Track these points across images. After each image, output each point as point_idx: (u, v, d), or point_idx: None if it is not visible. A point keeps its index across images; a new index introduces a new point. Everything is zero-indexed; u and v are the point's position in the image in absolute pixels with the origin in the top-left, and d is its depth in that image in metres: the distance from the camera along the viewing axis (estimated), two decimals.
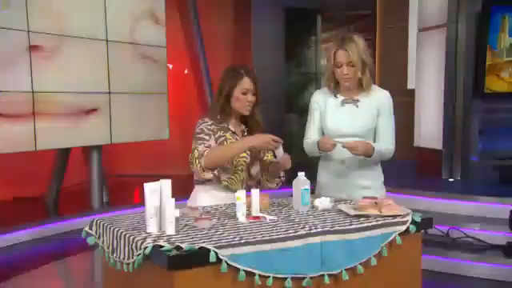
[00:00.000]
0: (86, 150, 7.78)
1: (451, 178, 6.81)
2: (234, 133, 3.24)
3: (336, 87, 3.39)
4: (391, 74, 9.90)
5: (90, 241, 2.73)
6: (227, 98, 3.21)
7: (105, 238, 2.64)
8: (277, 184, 3.38)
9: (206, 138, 3.13)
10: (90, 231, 2.74)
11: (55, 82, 6.93)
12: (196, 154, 3.06)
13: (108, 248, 2.60)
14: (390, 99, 3.38)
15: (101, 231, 2.69)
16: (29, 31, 6.61)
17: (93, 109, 7.39)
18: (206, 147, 3.08)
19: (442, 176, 6.84)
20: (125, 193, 8.87)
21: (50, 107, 6.88)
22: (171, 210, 2.44)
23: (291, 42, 11.54)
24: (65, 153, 7.76)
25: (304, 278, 2.38)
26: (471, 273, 5.03)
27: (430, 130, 7.11)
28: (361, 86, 3.33)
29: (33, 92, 6.65)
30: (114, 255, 2.54)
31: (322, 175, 3.49)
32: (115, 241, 2.54)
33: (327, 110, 3.39)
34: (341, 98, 3.38)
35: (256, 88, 3.20)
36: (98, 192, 7.59)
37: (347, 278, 2.46)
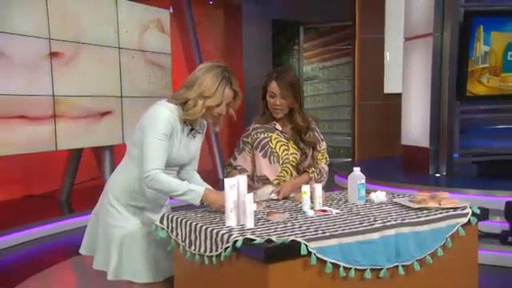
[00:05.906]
0: (97, 150, 7.51)
1: (437, 173, 6.74)
2: (282, 132, 3.08)
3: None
4: (369, 79, 9.86)
5: (162, 234, 2.53)
6: (264, 99, 3.06)
7: (179, 232, 2.45)
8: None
9: (236, 154, 3.12)
10: (161, 225, 2.55)
11: (73, 86, 6.73)
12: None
13: (184, 241, 2.42)
14: None
15: (173, 225, 2.49)
16: (50, 39, 6.37)
17: (107, 111, 7.17)
18: (233, 168, 3.08)
19: (429, 172, 6.77)
20: None
21: (69, 110, 6.66)
22: (250, 204, 2.28)
23: (277, 51, 11.43)
24: (78, 152, 7.48)
25: (381, 269, 2.24)
26: None
27: (417, 129, 7.03)
28: None
29: (53, 96, 6.43)
30: (192, 248, 2.35)
31: None
32: (193, 234, 2.35)
33: None
34: None
35: (286, 94, 2.96)
36: None
37: (419, 268, 2.31)
